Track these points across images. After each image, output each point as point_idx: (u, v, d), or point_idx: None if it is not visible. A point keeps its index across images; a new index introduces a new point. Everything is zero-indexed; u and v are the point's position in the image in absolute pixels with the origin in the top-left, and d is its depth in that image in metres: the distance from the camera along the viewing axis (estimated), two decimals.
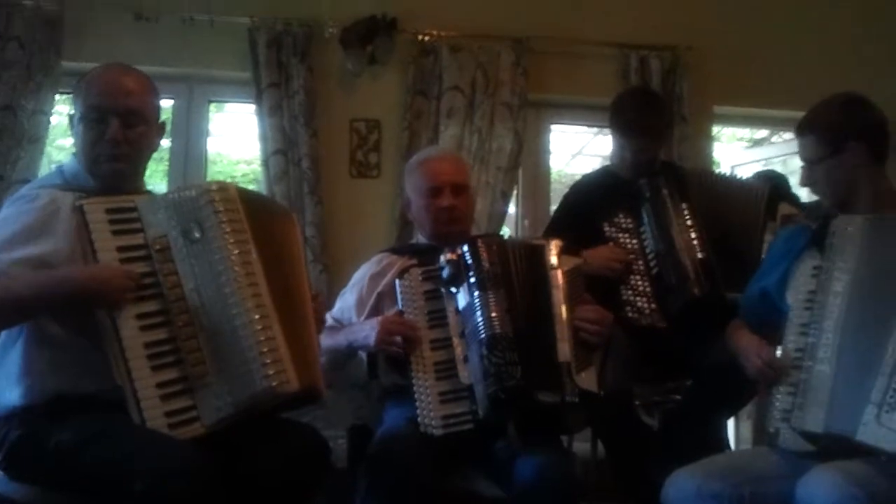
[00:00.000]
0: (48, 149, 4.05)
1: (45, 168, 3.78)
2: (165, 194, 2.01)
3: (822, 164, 2.30)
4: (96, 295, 1.85)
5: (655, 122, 3.18)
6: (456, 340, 2.35)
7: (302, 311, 2.12)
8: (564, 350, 2.32)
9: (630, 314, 2.99)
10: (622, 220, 3.07)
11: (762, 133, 5.79)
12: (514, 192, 4.15)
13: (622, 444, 2.94)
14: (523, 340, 2.28)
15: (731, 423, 3.49)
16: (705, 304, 2.90)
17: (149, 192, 2.17)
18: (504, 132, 3.99)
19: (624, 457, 2.95)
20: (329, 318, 2.64)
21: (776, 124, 4.84)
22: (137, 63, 2.26)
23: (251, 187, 3.97)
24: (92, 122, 2.06)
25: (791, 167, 3.85)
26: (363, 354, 2.52)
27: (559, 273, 2.43)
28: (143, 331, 1.87)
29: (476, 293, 2.33)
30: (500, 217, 4.01)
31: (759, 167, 4.41)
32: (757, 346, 2.22)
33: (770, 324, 2.27)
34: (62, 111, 4.05)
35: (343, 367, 2.58)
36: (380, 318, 2.45)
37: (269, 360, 1.88)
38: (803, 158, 2.34)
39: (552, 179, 4.49)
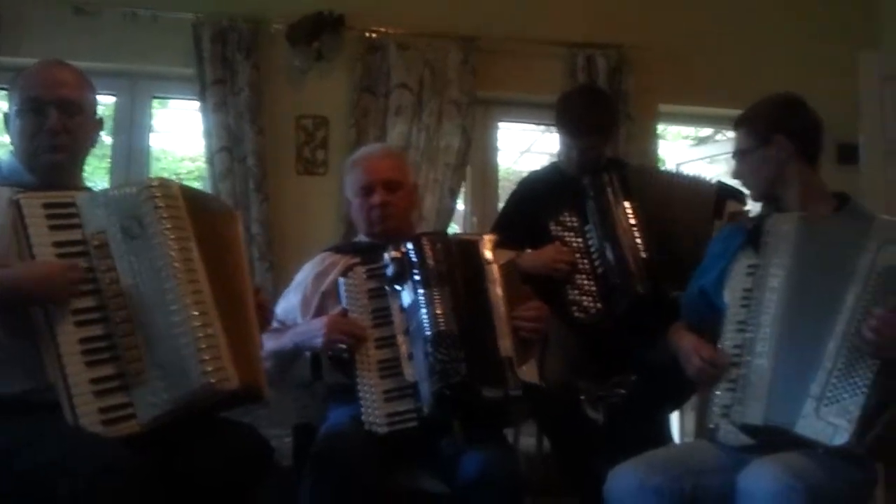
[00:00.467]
0: None
1: None
2: (106, 190, 1.98)
3: (750, 155, 2.35)
4: (38, 292, 1.81)
5: (601, 120, 3.17)
6: (400, 338, 2.34)
7: (244, 310, 2.09)
8: (506, 345, 2.33)
9: (576, 314, 2.98)
10: (568, 219, 3.05)
11: (706, 131, 5.86)
12: (462, 189, 4.16)
13: (567, 439, 2.96)
14: (466, 337, 2.29)
15: (675, 415, 3.53)
16: (649, 302, 2.91)
17: (88, 189, 2.13)
18: (452, 129, 4.00)
19: (569, 451, 2.96)
20: (274, 322, 2.61)
21: (720, 122, 4.89)
22: (78, 58, 2.25)
23: (196, 185, 3.94)
24: (30, 113, 2.04)
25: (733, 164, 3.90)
26: (307, 354, 2.50)
27: (495, 268, 2.43)
28: (78, 326, 1.83)
29: (420, 291, 2.33)
30: (449, 214, 4.02)
31: (704, 164, 4.46)
32: (697, 346, 2.24)
33: (709, 322, 2.31)
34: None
35: (290, 369, 2.54)
36: (325, 318, 2.43)
37: (207, 357, 1.85)
38: (734, 151, 2.39)
39: (500, 177, 4.51)
